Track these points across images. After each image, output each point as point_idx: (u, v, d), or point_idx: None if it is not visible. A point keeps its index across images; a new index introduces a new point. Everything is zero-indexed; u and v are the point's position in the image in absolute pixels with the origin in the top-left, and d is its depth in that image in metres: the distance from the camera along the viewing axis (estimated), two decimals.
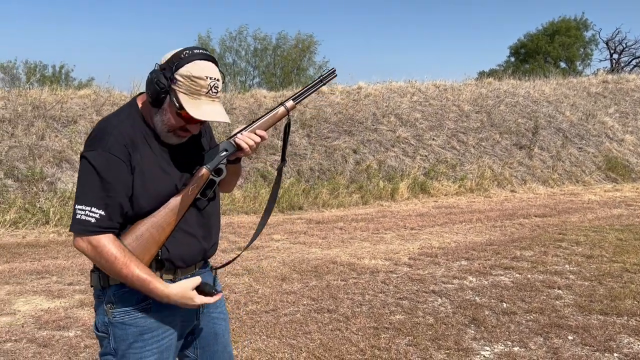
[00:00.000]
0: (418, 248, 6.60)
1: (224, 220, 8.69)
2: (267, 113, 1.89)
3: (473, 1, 75.17)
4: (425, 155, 12.55)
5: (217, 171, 1.80)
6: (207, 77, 1.61)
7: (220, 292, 1.95)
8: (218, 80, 1.65)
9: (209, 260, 1.95)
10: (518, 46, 38.65)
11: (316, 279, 5.27)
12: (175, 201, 1.71)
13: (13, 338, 3.81)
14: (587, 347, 3.60)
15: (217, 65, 1.67)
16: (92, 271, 1.74)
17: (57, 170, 9.23)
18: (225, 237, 7.30)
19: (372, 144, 12.39)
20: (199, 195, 1.76)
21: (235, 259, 2.03)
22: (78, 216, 1.59)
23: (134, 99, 1.77)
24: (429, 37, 76.20)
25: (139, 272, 1.62)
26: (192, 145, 1.83)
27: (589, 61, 38.53)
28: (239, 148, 1.81)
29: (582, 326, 3.94)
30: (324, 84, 1.98)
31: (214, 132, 1.99)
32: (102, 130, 1.65)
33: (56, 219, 8.17)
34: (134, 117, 1.70)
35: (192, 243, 1.78)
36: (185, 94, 1.60)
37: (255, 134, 1.82)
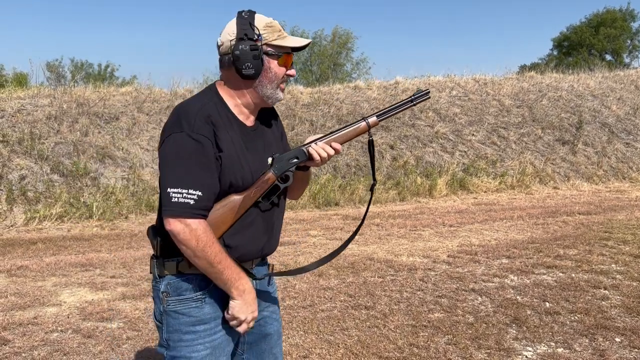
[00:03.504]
0: (457, 245, 6.49)
1: None
2: (347, 126, 1.84)
3: None
4: (465, 151, 12.34)
5: (284, 178, 1.75)
6: (271, 20, 1.70)
7: (275, 292, 1.94)
8: None
9: (267, 257, 1.93)
10: (561, 39, 37.60)
11: (353, 275, 5.25)
12: (235, 201, 1.67)
13: (59, 328, 3.93)
14: (636, 350, 3.45)
15: None
16: (151, 258, 1.73)
17: (100, 166, 9.49)
18: None
19: (410, 140, 12.26)
20: (260, 199, 1.72)
21: (317, 265, 1.99)
22: (174, 199, 1.55)
23: (212, 86, 1.75)
24: (469, 31, 74.90)
25: (232, 262, 1.62)
26: (270, 134, 1.83)
27: (637, 53, 37.16)
28: (310, 157, 1.76)
29: (630, 328, 3.79)
30: (415, 105, 1.87)
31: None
32: (186, 112, 1.62)
33: (99, 213, 8.40)
34: (216, 102, 1.70)
35: (253, 241, 1.75)
36: (275, 39, 1.67)
37: (331, 146, 1.78)
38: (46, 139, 9.61)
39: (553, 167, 12.58)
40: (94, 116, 10.51)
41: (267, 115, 1.87)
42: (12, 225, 7.93)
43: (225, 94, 1.72)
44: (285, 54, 1.69)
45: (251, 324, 1.72)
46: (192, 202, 1.55)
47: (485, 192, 11.19)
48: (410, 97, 1.85)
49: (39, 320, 4.07)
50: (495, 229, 7.51)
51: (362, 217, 1.99)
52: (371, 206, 9.79)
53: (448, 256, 5.95)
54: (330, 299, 4.54)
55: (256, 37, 1.64)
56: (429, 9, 72.15)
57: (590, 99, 15.49)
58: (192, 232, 1.56)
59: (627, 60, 36.08)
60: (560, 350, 3.47)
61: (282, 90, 1.74)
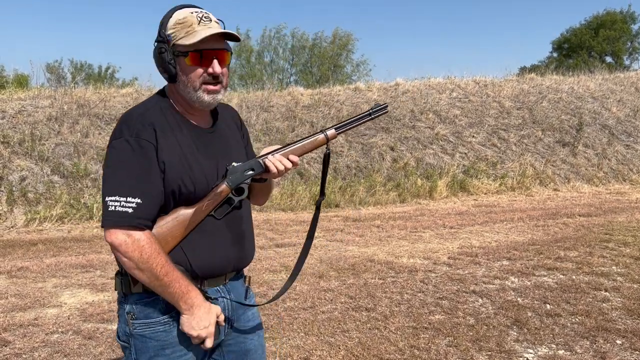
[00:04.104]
0: (457, 247, 6.48)
1: (261, 216, 8.76)
2: (305, 138, 1.77)
3: None
4: (465, 153, 12.34)
5: (238, 190, 1.67)
6: (192, 13, 1.56)
7: (254, 305, 1.83)
8: (206, 12, 1.58)
9: (243, 271, 1.82)
10: (561, 41, 37.64)
11: (354, 277, 5.24)
12: (185, 214, 1.57)
13: (60, 330, 3.92)
14: (637, 352, 3.45)
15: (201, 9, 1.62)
16: (115, 274, 1.62)
17: (100, 167, 9.49)
18: (263, 234, 7.35)
19: (410, 141, 12.26)
20: (213, 212, 1.63)
21: (273, 300, 1.89)
22: (111, 208, 1.46)
23: (162, 89, 1.69)
24: (469, 33, 74.93)
25: (180, 275, 1.53)
26: (231, 138, 1.76)
27: (637, 55, 37.18)
28: (266, 170, 1.68)
29: (631, 330, 3.78)
30: (373, 119, 1.83)
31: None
32: (128, 119, 1.55)
33: (99, 214, 8.39)
34: (162, 105, 1.62)
35: (220, 254, 1.65)
36: (182, 37, 1.54)
37: (288, 158, 1.70)
38: (47, 140, 9.61)
39: (553, 168, 12.58)
40: (94, 117, 10.51)
41: (228, 118, 1.80)
42: (12, 227, 7.93)
43: (171, 95, 1.65)
44: (193, 52, 1.54)
45: (208, 343, 1.59)
46: (130, 210, 1.46)
47: (485, 193, 11.19)
48: (368, 111, 1.82)
49: (39, 322, 4.06)
50: (495, 230, 7.51)
51: (310, 236, 1.89)
52: (372, 207, 9.82)
53: (448, 258, 5.95)
54: (331, 300, 4.54)
55: (166, 38, 1.56)
56: (429, 11, 72.23)
57: (591, 101, 15.50)
58: (134, 242, 1.46)
59: (627, 62, 36.15)
60: (561, 352, 3.47)
61: (210, 91, 1.59)
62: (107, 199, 1.47)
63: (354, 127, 1.81)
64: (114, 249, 1.49)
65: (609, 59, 35.45)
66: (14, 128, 9.67)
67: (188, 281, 1.55)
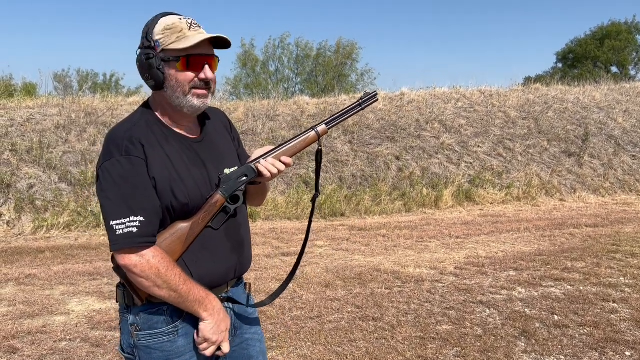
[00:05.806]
0: (464, 257, 6.47)
1: (267, 225, 8.77)
2: (296, 137, 1.76)
3: (518, 6, 73.86)
4: (471, 163, 12.33)
5: (234, 198, 1.66)
6: (180, 19, 1.56)
7: (254, 312, 1.84)
8: (193, 19, 1.59)
9: (243, 277, 1.84)
10: (566, 51, 37.68)
11: (360, 286, 5.24)
12: (183, 229, 1.57)
13: (68, 337, 3.94)
14: None
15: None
16: (117, 286, 1.63)
17: None
18: (269, 242, 7.35)
19: (415, 151, 12.27)
20: (210, 224, 1.63)
21: (274, 298, 1.89)
22: (119, 231, 1.45)
23: (145, 102, 1.67)
24: (474, 43, 75.06)
25: (195, 282, 1.55)
26: (221, 144, 1.75)
27: None
28: (259, 174, 1.68)
29: None
30: (363, 109, 1.80)
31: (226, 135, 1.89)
32: (115, 137, 1.54)
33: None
34: (147, 119, 1.61)
35: (222, 263, 1.66)
36: (172, 43, 1.53)
37: (280, 160, 1.70)
38: (54, 148, 9.67)
39: (559, 179, 12.55)
40: (102, 126, 10.57)
41: (216, 122, 1.79)
42: (20, 234, 7.97)
43: (155, 107, 1.64)
44: (185, 57, 1.54)
45: (225, 348, 1.62)
46: (135, 229, 1.46)
47: (491, 203, 11.17)
48: (358, 100, 1.80)
49: (47, 329, 4.08)
50: (502, 240, 7.50)
51: (307, 231, 1.97)
52: (377, 216, 9.81)
53: (455, 268, 5.94)
54: (338, 310, 4.54)
55: (153, 44, 1.55)
56: (434, 20, 72.47)
57: (596, 111, 15.48)
58: (148, 262, 1.47)
59: (632, 72, 36.10)
60: None
61: (201, 96, 1.59)
62: (111, 223, 1.47)
63: (344, 119, 1.80)
64: (129, 271, 1.48)
65: (614, 69, 35.44)
66: (23, 136, 9.74)
67: (203, 287, 1.57)
